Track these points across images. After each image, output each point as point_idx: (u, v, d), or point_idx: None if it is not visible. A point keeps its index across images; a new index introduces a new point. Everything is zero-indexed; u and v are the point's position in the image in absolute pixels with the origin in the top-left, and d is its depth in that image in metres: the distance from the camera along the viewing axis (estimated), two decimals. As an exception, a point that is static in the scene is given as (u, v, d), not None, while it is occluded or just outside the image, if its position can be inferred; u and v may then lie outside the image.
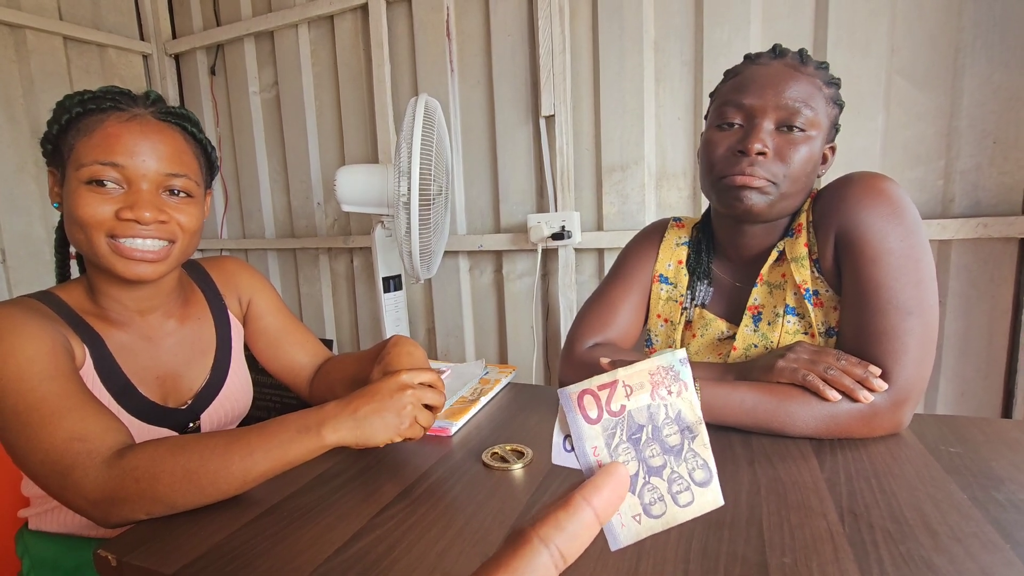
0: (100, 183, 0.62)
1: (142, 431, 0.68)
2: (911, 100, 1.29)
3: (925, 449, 0.63)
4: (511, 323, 1.80)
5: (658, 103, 1.53)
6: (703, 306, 0.84)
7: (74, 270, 0.77)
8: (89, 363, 0.65)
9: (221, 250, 2.35)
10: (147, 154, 0.63)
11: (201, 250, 2.40)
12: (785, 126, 0.70)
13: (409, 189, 1.24)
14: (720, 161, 0.73)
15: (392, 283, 1.62)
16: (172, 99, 2.29)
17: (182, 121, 0.68)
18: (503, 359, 1.85)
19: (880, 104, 1.31)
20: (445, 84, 1.76)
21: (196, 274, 0.83)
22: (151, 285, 0.70)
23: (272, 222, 2.23)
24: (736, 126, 0.73)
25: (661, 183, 1.57)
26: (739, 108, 0.72)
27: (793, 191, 0.72)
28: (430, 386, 0.63)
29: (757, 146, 0.69)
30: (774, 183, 0.71)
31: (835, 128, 0.76)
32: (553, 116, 1.60)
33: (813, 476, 0.57)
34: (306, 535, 0.51)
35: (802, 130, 0.70)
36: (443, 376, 0.75)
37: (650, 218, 1.57)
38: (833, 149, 0.77)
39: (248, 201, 2.26)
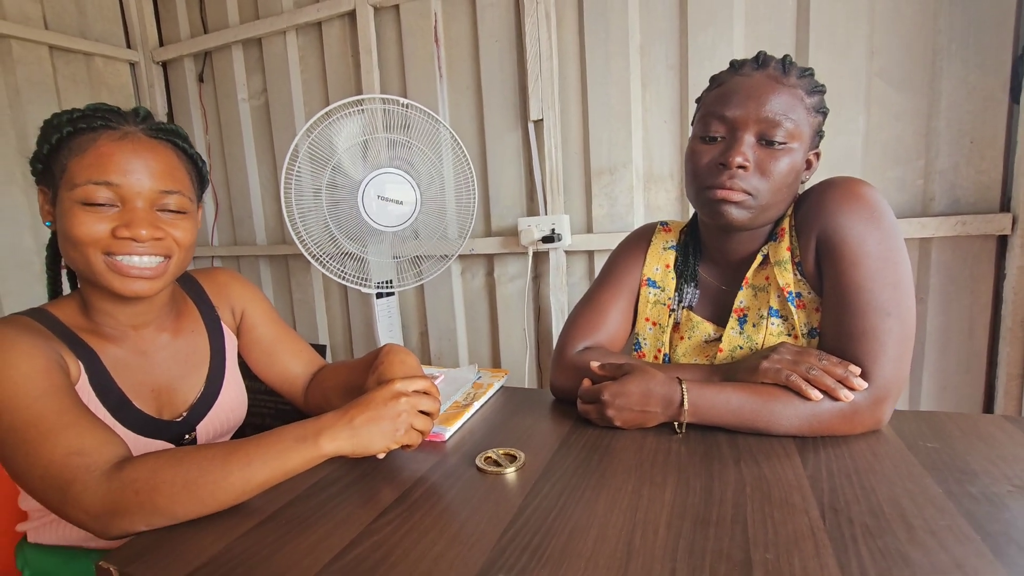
0: (95, 202, 0.63)
1: (139, 444, 0.69)
2: (890, 101, 1.31)
3: (904, 445, 0.65)
4: (503, 326, 1.82)
5: (644, 107, 1.55)
6: (690, 308, 0.86)
7: (65, 286, 0.77)
8: (84, 379, 0.65)
9: (212, 257, 2.35)
10: (141, 172, 0.64)
11: (193, 258, 2.39)
12: (766, 139, 0.71)
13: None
14: (702, 173, 0.75)
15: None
16: (160, 107, 2.29)
17: (173, 137, 0.69)
18: (496, 361, 1.86)
19: (861, 106, 1.33)
20: (434, 89, 1.78)
21: (189, 286, 0.83)
22: (146, 300, 0.71)
23: (263, 229, 2.23)
24: (719, 138, 0.74)
25: (649, 186, 1.59)
26: (721, 120, 0.73)
27: (775, 202, 0.73)
28: (425, 393, 0.64)
29: (738, 159, 0.70)
30: (753, 196, 0.72)
31: (819, 135, 0.77)
32: (541, 120, 1.62)
33: (796, 473, 0.59)
34: (304, 542, 0.52)
35: (783, 143, 0.71)
36: (436, 382, 0.76)
37: (639, 220, 1.59)
38: (818, 155, 0.78)
39: (239, 208, 2.26)
